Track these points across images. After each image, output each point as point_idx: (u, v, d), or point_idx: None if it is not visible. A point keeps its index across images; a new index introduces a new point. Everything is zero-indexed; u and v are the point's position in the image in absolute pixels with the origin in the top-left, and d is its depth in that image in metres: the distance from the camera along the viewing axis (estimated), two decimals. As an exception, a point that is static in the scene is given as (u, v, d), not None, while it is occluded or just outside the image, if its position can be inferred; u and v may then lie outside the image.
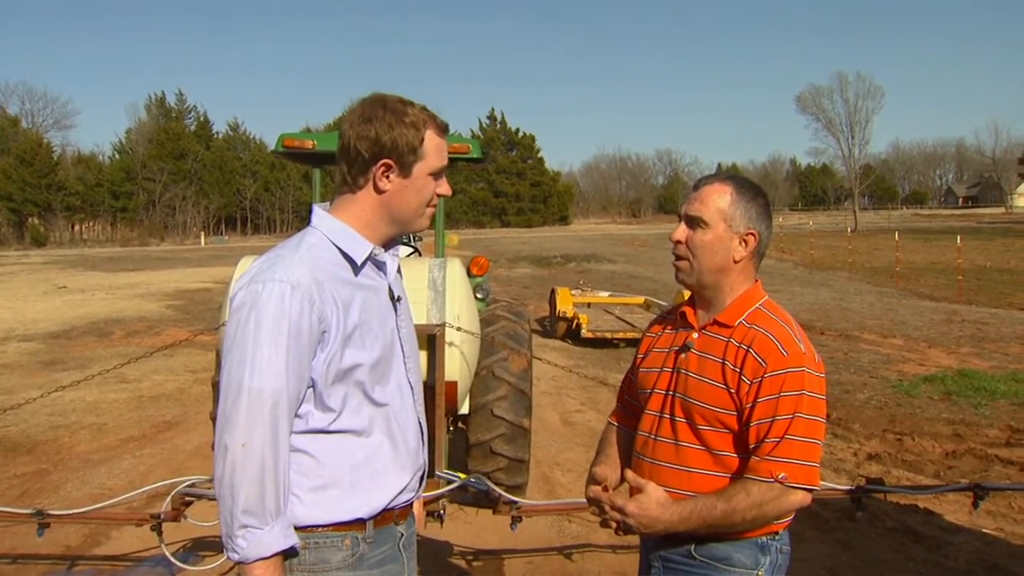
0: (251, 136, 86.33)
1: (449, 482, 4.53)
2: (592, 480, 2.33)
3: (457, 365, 5.10)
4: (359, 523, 1.97)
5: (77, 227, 71.73)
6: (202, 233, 70.82)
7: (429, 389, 4.98)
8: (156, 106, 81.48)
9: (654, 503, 2.09)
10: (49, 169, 67.24)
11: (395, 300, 2.11)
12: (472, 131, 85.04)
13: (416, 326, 4.89)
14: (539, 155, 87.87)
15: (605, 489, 2.27)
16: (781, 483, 2.01)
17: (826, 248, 35.56)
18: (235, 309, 1.86)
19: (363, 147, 1.93)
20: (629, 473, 2.23)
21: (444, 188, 2.06)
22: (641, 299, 16.26)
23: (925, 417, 8.69)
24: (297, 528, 1.91)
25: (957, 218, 73.02)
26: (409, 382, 2.11)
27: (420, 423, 2.14)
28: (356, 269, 1.99)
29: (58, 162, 70.99)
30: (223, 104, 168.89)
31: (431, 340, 4.90)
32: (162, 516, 4.40)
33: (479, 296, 6.37)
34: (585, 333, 13.68)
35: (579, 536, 5.52)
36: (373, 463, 1.98)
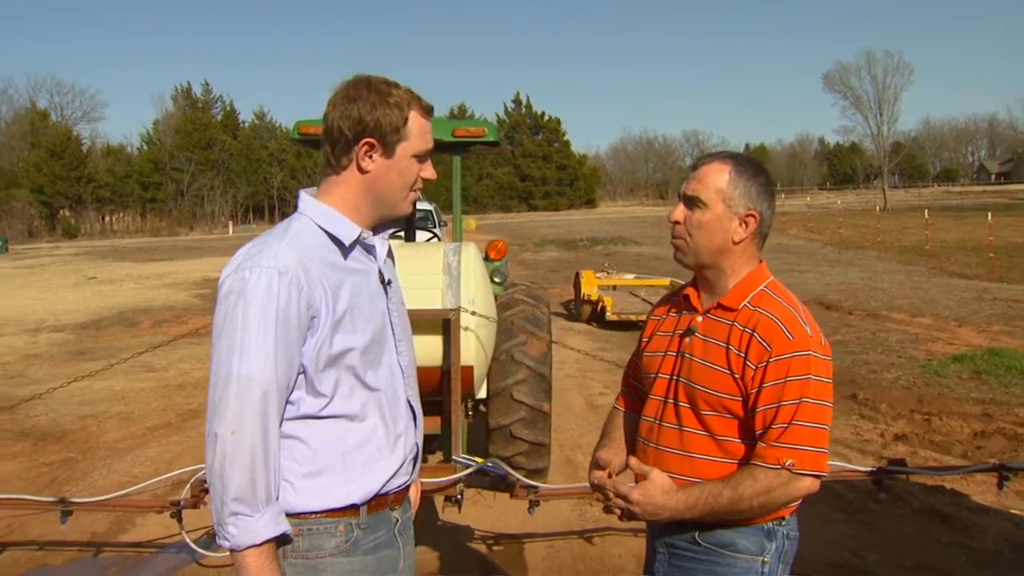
0: (277, 125, 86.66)
1: (466, 467, 4.53)
2: (596, 465, 2.30)
3: (473, 349, 5.08)
4: (353, 509, 1.96)
5: (107, 218, 72.49)
6: (230, 222, 71.30)
7: (445, 374, 4.98)
8: (183, 97, 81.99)
9: (659, 490, 2.05)
10: (79, 162, 67.98)
11: (385, 283, 2.09)
12: (497, 115, 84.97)
13: (430, 311, 4.94)
14: (565, 138, 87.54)
15: (609, 475, 2.24)
16: (789, 470, 1.97)
17: (855, 227, 35.14)
18: (223, 296, 1.85)
19: (346, 127, 1.92)
20: (633, 460, 2.19)
21: (428, 171, 2.04)
22: (667, 281, 16.12)
23: (954, 397, 8.57)
24: (290, 515, 1.90)
25: (989, 195, 71.79)
26: (400, 366, 2.09)
27: (412, 407, 2.13)
28: (345, 253, 1.97)
29: (88, 154, 71.73)
30: (249, 93, 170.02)
31: (446, 324, 4.89)
32: (182, 503, 4.42)
33: (497, 280, 6.34)
34: (610, 316, 13.62)
35: (600, 520, 5.49)
36: (366, 448, 1.97)
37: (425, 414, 5.35)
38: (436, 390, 5.08)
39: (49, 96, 79.80)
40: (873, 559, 4.83)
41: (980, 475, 5.77)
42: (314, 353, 1.87)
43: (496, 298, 6.03)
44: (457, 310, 4.91)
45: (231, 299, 1.83)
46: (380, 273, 2.07)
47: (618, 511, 2.12)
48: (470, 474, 4.49)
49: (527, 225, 50.72)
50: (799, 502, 2.12)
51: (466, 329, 4.99)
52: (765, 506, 2.02)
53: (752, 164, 2.17)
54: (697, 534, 2.11)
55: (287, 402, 1.90)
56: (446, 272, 5.10)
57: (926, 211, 29.83)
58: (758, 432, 2.01)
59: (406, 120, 1.95)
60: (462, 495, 4.59)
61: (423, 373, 4.96)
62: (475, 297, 5.09)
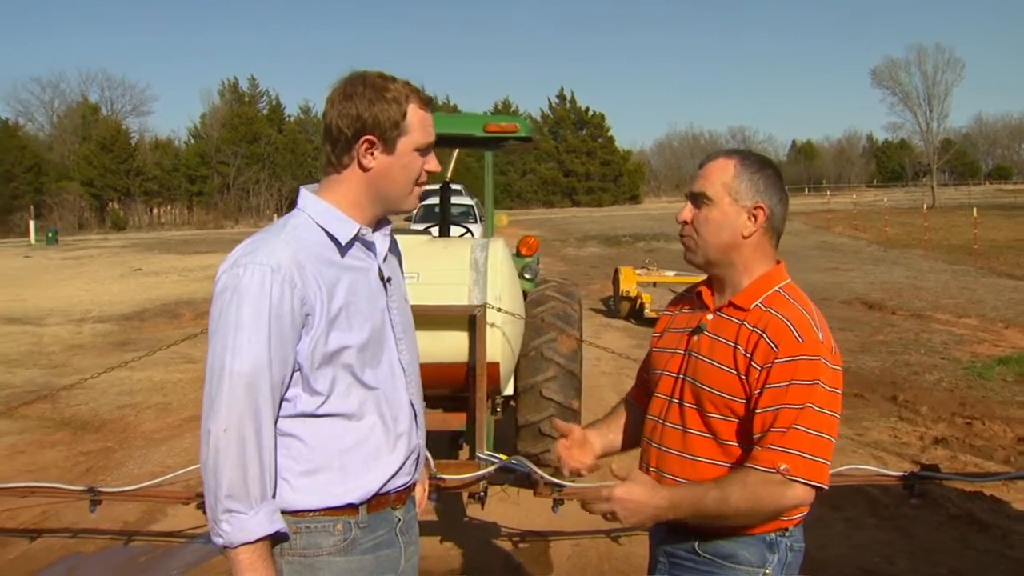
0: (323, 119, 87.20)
1: (490, 464, 4.51)
2: (559, 435, 2.30)
3: (499, 346, 5.06)
4: (351, 508, 1.94)
5: (155, 211, 73.55)
6: (275, 215, 71.81)
7: (470, 370, 4.96)
8: (229, 91, 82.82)
9: (640, 488, 1.96)
10: (128, 155, 69.02)
11: (385, 281, 2.06)
12: (541, 110, 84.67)
13: (456, 307, 4.93)
14: (609, 134, 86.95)
15: (568, 446, 2.30)
16: (782, 475, 1.88)
17: (901, 225, 34.51)
18: (218, 293, 1.85)
19: (344, 125, 1.90)
20: (615, 464, 2.11)
21: (432, 164, 2.01)
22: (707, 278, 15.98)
23: (998, 400, 8.38)
24: (288, 513, 1.89)
25: (1043, 193, 70.13)
26: (401, 364, 2.07)
27: (413, 405, 2.10)
28: (342, 250, 1.95)
29: (136, 148, 72.79)
30: (295, 88, 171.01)
31: (472, 321, 4.87)
32: (207, 494, 4.45)
33: (527, 276, 6.31)
34: (648, 312, 13.56)
35: (628, 519, 5.44)
36: (364, 447, 1.95)
37: (452, 410, 5.37)
38: (461, 386, 5.07)
39: (100, 90, 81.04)
40: (905, 565, 4.73)
41: (1021, 482, 5.64)
42: (309, 350, 1.86)
43: (526, 294, 6.00)
44: (483, 306, 4.88)
45: (225, 295, 1.83)
46: (380, 270, 2.05)
47: (600, 512, 2.01)
48: (494, 471, 4.47)
49: (570, 221, 50.53)
50: (803, 512, 2.06)
51: (492, 325, 4.97)
52: (753, 512, 1.93)
53: (758, 158, 2.12)
54: (697, 544, 2.05)
55: (284, 400, 1.89)
56: (473, 268, 5.08)
57: (974, 209, 29.17)
58: (757, 435, 1.93)
59: (405, 114, 1.92)
60: (486, 492, 4.57)
61: (449, 369, 5.00)
62: (502, 293, 5.06)
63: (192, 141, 78.12)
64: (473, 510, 5.43)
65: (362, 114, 1.89)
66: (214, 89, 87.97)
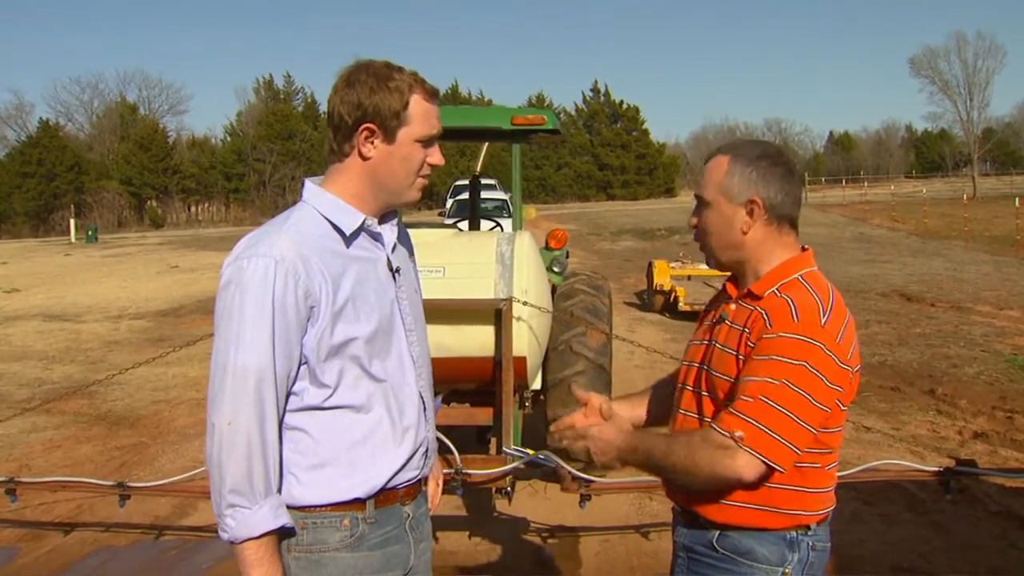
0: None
1: (517, 458, 4.47)
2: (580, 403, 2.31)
3: (526, 340, 5.02)
4: (358, 503, 1.92)
5: (192, 208, 74.44)
6: (311, 212, 72.40)
7: (497, 364, 4.93)
8: (265, 88, 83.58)
9: (613, 428, 2.00)
10: (165, 153, 69.91)
11: (394, 271, 2.03)
12: (576, 104, 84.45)
13: (483, 300, 4.90)
14: (644, 127, 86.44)
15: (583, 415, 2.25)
16: (735, 440, 1.81)
17: (941, 216, 33.93)
18: (222, 287, 1.84)
19: (345, 112, 1.88)
20: (585, 395, 2.21)
21: (436, 157, 1.98)
22: (742, 271, 15.83)
23: (1040, 394, 8.19)
24: (295, 508, 1.88)
25: (1089, 182, 68.63)
26: (411, 356, 2.04)
27: (423, 398, 2.07)
28: (347, 240, 1.93)
29: (173, 146, 73.71)
30: (330, 85, 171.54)
31: (498, 315, 4.84)
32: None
33: (556, 270, 6.26)
34: (682, 306, 13.45)
35: (658, 514, 5.38)
36: (372, 440, 1.93)
37: (479, 405, 5.34)
38: (488, 381, 5.04)
39: (137, 90, 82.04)
40: (942, 564, 4.62)
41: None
42: (315, 343, 1.84)
43: (555, 288, 5.95)
44: (509, 300, 4.85)
45: (229, 289, 1.82)
46: (388, 261, 2.02)
47: (576, 448, 2.08)
48: (520, 466, 4.43)
49: (604, 215, 50.32)
50: (828, 509, 2.00)
51: (519, 319, 4.93)
52: (692, 472, 1.87)
53: (754, 148, 2.04)
54: (715, 539, 2.00)
55: (291, 393, 1.87)
56: (499, 262, 5.05)
57: (1016, 200, 28.58)
58: (727, 400, 1.89)
59: (407, 104, 1.89)
60: (513, 487, 4.54)
61: (475, 363, 4.97)
62: (528, 287, 5.02)
63: (228, 139, 78.95)
64: (501, 505, 5.41)
65: (363, 102, 1.87)
66: (249, 87, 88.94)
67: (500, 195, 21.29)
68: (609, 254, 26.25)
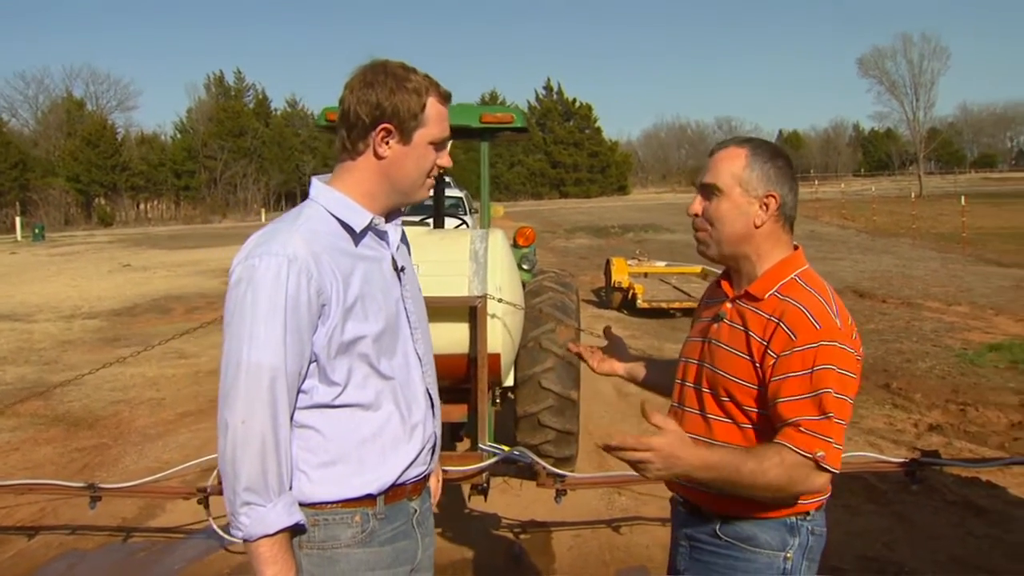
0: (309, 112, 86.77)
1: (492, 455, 4.51)
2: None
3: (500, 337, 5.06)
4: (369, 499, 1.93)
5: (142, 206, 73.17)
6: (263, 209, 71.55)
7: (471, 361, 4.96)
8: (215, 85, 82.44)
9: (679, 441, 1.89)
10: (114, 150, 68.59)
11: (399, 270, 2.06)
12: (528, 102, 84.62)
13: (457, 298, 4.92)
14: (596, 125, 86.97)
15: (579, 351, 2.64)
16: (817, 461, 1.89)
17: (889, 214, 34.64)
18: (233, 285, 1.84)
19: (363, 112, 1.89)
20: (653, 413, 1.97)
21: (445, 159, 2.01)
22: (698, 268, 16.02)
23: (990, 387, 8.43)
24: (306, 505, 1.89)
25: (1029, 181, 70.46)
26: (417, 354, 2.06)
27: (430, 395, 2.10)
28: (356, 239, 1.95)
29: (122, 143, 72.33)
30: (281, 81, 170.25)
31: (472, 312, 4.86)
32: (209, 489, 4.44)
33: (525, 267, 6.31)
34: (641, 303, 13.56)
35: (628, 509, 5.46)
36: (381, 437, 1.94)
37: (452, 402, 5.37)
38: (463, 378, 5.06)
39: (84, 85, 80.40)
40: (905, 552, 4.75)
41: (1017, 467, 5.67)
42: (326, 341, 1.85)
43: (524, 285, 6.00)
44: (484, 297, 4.88)
45: (240, 287, 1.82)
46: (393, 260, 2.04)
47: (631, 459, 1.93)
48: (496, 462, 4.47)
49: (558, 212, 50.56)
50: (825, 496, 2.06)
51: (493, 316, 4.96)
52: (782, 490, 1.93)
53: (768, 147, 2.10)
54: (718, 527, 2.06)
55: (301, 391, 1.88)
56: (473, 259, 5.07)
57: (963, 197, 29.28)
58: (789, 420, 1.91)
59: (424, 106, 1.91)
60: (488, 483, 4.57)
61: (450, 361, 4.99)
62: (502, 284, 5.06)
63: (178, 136, 77.82)
64: (475, 502, 5.43)
65: (382, 102, 1.88)
66: (200, 83, 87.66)
67: (456, 192, 21.24)
68: (564, 252, 26.35)
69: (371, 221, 1.96)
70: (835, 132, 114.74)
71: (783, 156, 2.09)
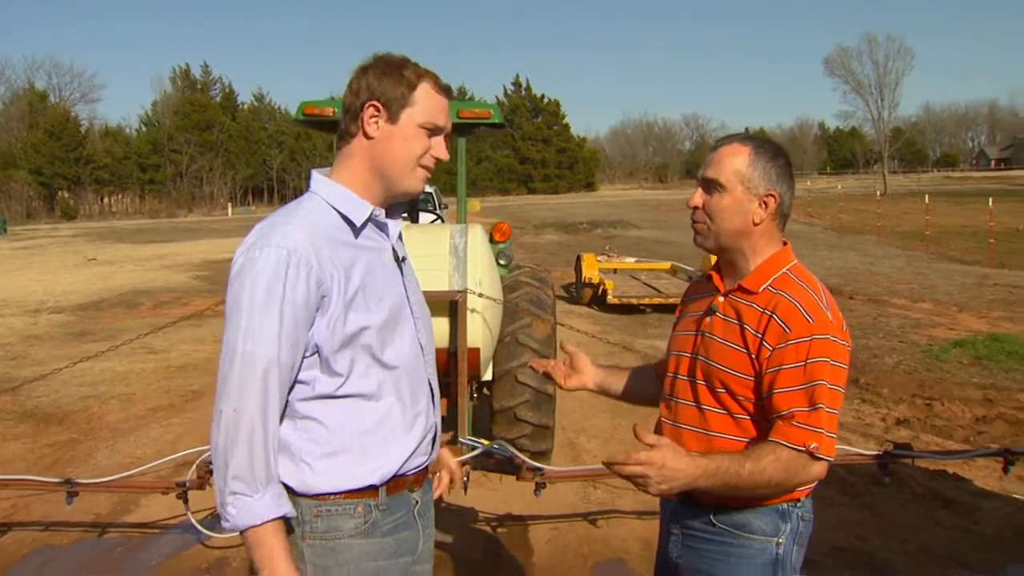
0: (276, 106, 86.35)
1: (472, 448, 4.53)
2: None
3: (480, 331, 5.09)
4: (371, 490, 1.95)
5: (106, 200, 72.30)
6: (229, 204, 71.10)
7: (452, 356, 4.98)
8: (181, 78, 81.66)
9: (676, 454, 1.94)
10: (77, 143, 67.79)
11: (400, 261, 2.08)
12: (497, 97, 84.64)
13: (437, 292, 4.94)
14: (565, 121, 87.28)
15: (548, 368, 2.62)
16: (811, 452, 1.95)
17: (855, 212, 35.11)
18: (234, 275, 1.85)
19: (356, 92, 1.94)
20: (638, 427, 2.04)
21: (440, 150, 2.01)
22: (668, 264, 16.17)
23: (955, 382, 8.60)
24: (309, 496, 1.90)
25: (989, 180, 71.65)
26: (420, 343, 2.08)
27: (431, 385, 2.12)
28: (356, 231, 1.96)
29: (86, 136, 71.50)
30: (248, 75, 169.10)
31: (453, 306, 4.89)
32: (188, 484, 4.43)
33: (502, 262, 6.34)
34: (611, 299, 13.62)
35: (604, 502, 5.51)
36: (384, 428, 1.96)
37: (432, 396, 5.36)
38: (443, 372, 5.08)
39: (47, 77, 79.57)
40: (877, 543, 4.85)
41: (982, 460, 5.79)
42: (328, 332, 1.86)
43: (501, 280, 6.03)
44: (464, 292, 4.91)
45: (241, 277, 1.83)
46: (394, 251, 2.06)
47: (629, 474, 1.95)
48: (476, 456, 4.50)
49: (526, 208, 50.61)
50: (813, 484, 2.12)
51: (472, 311, 4.99)
52: (781, 485, 2.00)
53: (771, 146, 2.15)
54: (712, 515, 2.11)
55: (303, 382, 1.89)
56: (453, 254, 5.10)
57: (926, 196, 29.74)
58: (783, 412, 1.98)
59: (413, 87, 1.94)
60: (468, 477, 4.59)
61: None
62: (482, 279, 5.09)
63: (143, 129, 76.89)
64: (453, 495, 5.44)
65: (372, 84, 1.92)
66: (165, 76, 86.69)
67: (426, 188, 21.23)
68: (533, 248, 26.41)
69: (371, 213, 1.97)
70: (801, 130, 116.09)
71: (784, 156, 2.15)
